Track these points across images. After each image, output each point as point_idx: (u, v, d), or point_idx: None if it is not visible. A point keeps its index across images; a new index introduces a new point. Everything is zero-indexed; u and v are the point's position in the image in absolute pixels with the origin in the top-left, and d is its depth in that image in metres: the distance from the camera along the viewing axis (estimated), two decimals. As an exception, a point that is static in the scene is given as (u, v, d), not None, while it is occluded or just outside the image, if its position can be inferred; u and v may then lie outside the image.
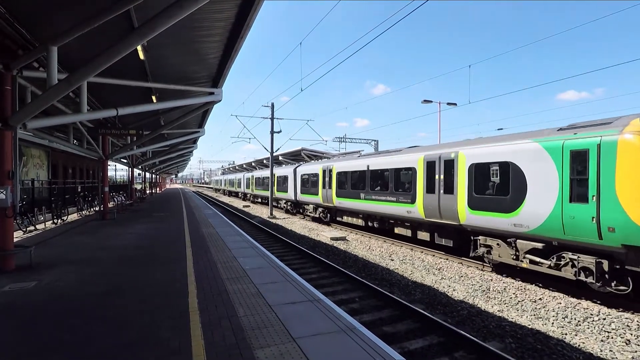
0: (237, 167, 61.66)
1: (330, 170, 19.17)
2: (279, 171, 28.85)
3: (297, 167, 25.06)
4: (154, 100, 13.67)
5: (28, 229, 12.54)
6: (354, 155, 19.75)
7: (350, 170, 17.24)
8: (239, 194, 50.90)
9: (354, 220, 17.44)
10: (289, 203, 27.36)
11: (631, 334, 6.24)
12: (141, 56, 9.24)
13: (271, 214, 25.42)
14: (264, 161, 39.77)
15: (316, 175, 20.86)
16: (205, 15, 7.80)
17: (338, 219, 19.32)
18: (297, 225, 20.53)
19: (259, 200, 38.39)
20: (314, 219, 22.35)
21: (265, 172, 33.30)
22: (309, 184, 22.13)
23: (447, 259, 11.67)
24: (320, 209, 21.13)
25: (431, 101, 26.34)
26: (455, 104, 26.70)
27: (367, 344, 3.96)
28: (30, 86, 9.61)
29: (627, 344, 5.96)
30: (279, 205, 30.17)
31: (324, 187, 19.74)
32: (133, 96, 13.51)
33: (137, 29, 6.19)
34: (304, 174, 23.05)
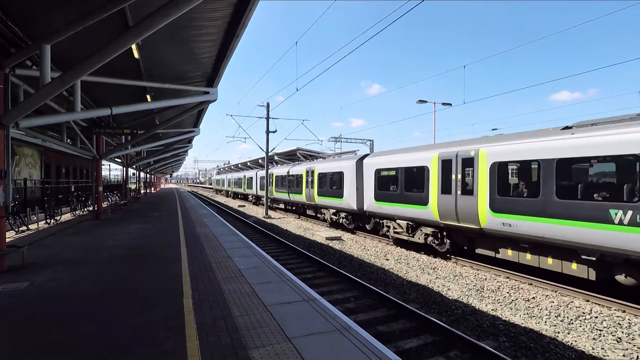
0: (232, 167, 61.42)
1: (468, 160, 10.33)
2: (322, 166, 19.70)
3: (363, 157, 16.24)
4: (149, 100, 13.60)
5: (20, 229, 12.42)
6: (553, 129, 8.95)
7: (577, 157, 7.91)
8: (249, 196, 39.18)
9: (552, 263, 8.49)
10: (343, 214, 17.85)
11: (622, 332, 6.33)
12: (136, 55, 9.19)
13: (266, 213, 25.38)
14: (260, 161, 39.66)
15: (421, 169, 12.09)
16: (201, 15, 7.78)
17: (481, 250, 10.26)
18: (292, 225, 20.51)
19: (281, 205, 28.68)
20: (397, 243, 13.87)
21: (296, 169, 23.61)
22: (399, 184, 13.18)
23: (441, 259, 11.72)
24: (427, 230, 12.13)
25: (426, 101, 26.47)
26: (450, 104, 26.86)
27: (362, 343, 3.98)
28: (23, 85, 9.52)
29: (618, 342, 6.03)
30: (321, 216, 20.50)
31: (445, 190, 11.01)
32: (127, 95, 13.44)
33: (132, 28, 6.16)
34: (387, 169, 14.04)
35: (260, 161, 39.12)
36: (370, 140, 38.20)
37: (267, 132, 25.81)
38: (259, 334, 4.14)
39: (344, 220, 17.70)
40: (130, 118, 16.98)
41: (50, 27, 7.17)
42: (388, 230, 14.25)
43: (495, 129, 38.18)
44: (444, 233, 11.63)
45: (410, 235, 12.92)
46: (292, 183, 24.29)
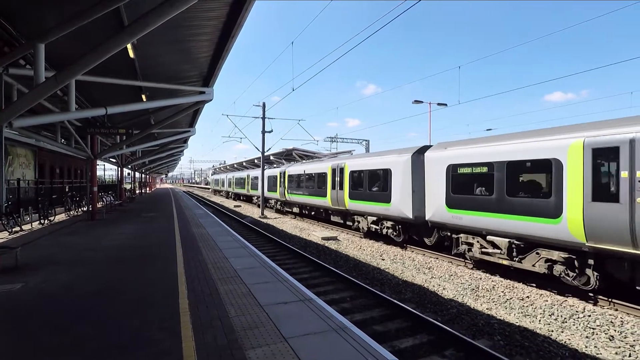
0: (227, 167, 61.27)
1: None
2: (356, 163, 15.93)
3: (422, 150, 12.44)
4: (144, 99, 13.54)
5: (14, 229, 12.30)
6: None
7: None
8: (254, 198, 34.69)
9: None
10: (388, 224, 13.92)
11: (615, 330, 6.40)
12: (131, 54, 9.16)
13: (262, 213, 25.35)
14: (255, 161, 39.61)
15: (544, 164, 8.43)
16: (196, 14, 7.77)
17: None
18: (288, 225, 20.50)
19: (295, 210, 24.26)
20: (481, 266, 10.31)
21: (318, 166, 19.81)
22: (495, 185, 9.39)
23: (437, 259, 11.78)
24: (553, 255, 8.32)
25: (422, 101, 26.59)
26: (445, 105, 26.98)
27: (358, 343, 3.99)
28: (16, 84, 9.45)
29: (610, 339, 6.10)
30: (352, 224, 16.58)
31: (602, 196, 7.37)
32: (122, 95, 13.37)
33: (127, 27, 6.15)
34: (471, 164, 10.17)
35: (256, 161, 39.08)
36: (366, 141, 38.30)
37: (263, 132, 25.78)
38: (255, 334, 4.14)
39: (390, 231, 13.82)
40: (125, 118, 16.88)
41: (45, 26, 7.12)
42: (470, 249, 10.35)
43: (490, 129, 38.35)
44: (590, 261, 7.71)
45: (516, 259, 9.04)
46: (311, 183, 20.44)
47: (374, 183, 14.67)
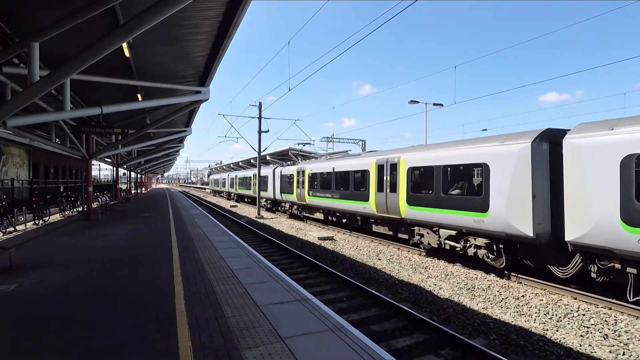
0: (222, 167, 61.06)
1: None
2: (417, 157, 12.17)
3: (564, 133, 8.12)
4: (140, 99, 13.47)
5: (7, 230, 12.19)
6: None
7: None
8: (262, 200, 29.12)
9: None
10: (479, 241, 9.96)
11: (609, 329, 6.46)
12: (126, 53, 9.12)
13: (258, 213, 25.30)
14: (252, 161, 39.54)
15: None
16: (193, 13, 7.75)
17: None
18: (285, 225, 20.49)
19: (318, 215, 20.18)
20: None
21: (353, 163, 16.06)
22: None
23: (433, 259, 11.81)
24: None
25: (418, 102, 26.66)
26: (441, 105, 27.05)
27: (355, 342, 3.99)
28: (10, 83, 9.36)
29: (604, 338, 6.16)
30: (411, 238, 12.70)
31: None
32: (118, 94, 13.30)
33: (122, 26, 6.12)
34: None
35: (252, 161, 38.98)
36: (362, 141, 38.41)
37: (260, 131, 25.75)
38: (251, 334, 4.13)
39: (484, 252, 9.86)
40: (120, 117, 16.78)
41: (39, 25, 7.06)
42: None
43: (486, 129, 38.55)
44: None
45: None
46: (343, 184, 16.60)
47: (452, 184, 10.86)
